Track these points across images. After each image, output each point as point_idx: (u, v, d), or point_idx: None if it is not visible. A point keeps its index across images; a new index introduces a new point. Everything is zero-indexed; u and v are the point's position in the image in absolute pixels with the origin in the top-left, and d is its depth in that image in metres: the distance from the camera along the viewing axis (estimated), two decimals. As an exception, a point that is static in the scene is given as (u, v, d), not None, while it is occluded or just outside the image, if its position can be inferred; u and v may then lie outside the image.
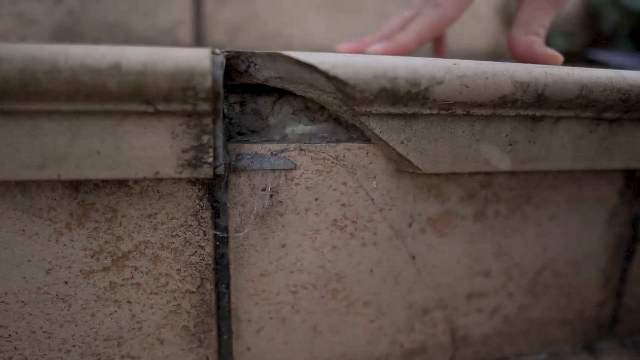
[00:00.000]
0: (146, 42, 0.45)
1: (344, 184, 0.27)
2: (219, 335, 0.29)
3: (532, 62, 0.33)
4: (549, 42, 0.65)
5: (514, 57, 0.33)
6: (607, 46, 0.66)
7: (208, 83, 0.21)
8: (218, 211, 0.26)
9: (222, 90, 0.23)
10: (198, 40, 0.47)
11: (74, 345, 0.27)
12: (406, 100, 0.24)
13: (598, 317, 0.36)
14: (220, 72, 0.23)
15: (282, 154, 0.26)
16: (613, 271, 0.35)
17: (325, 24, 0.52)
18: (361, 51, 0.35)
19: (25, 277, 0.25)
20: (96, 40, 0.43)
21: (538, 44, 0.32)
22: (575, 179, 0.32)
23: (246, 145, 0.26)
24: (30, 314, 0.26)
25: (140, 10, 0.44)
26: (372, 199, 0.28)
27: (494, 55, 0.63)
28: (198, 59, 0.21)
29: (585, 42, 0.68)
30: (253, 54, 0.25)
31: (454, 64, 0.24)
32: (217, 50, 0.24)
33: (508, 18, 0.63)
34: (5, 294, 0.25)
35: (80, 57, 0.21)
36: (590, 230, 0.34)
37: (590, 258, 0.34)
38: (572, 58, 0.66)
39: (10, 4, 0.42)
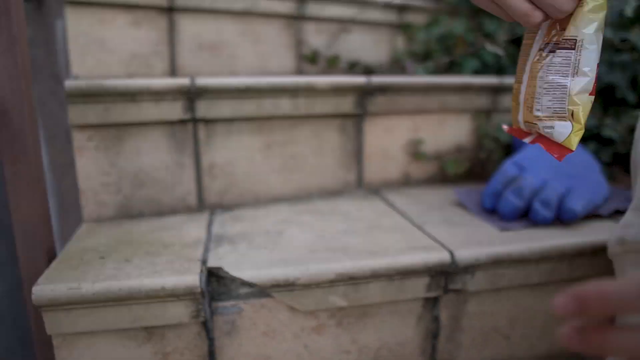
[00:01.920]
0: (169, 208, 0.76)
1: None
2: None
3: None
4: (443, 168, 0.95)
5: None
6: (485, 176, 0.96)
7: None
8: None
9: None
10: (200, 202, 0.78)
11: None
12: None
13: None
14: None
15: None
16: (426, 346, 0.65)
17: (280, 180, 0.82)
18: None
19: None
20: (141, 213, 0.75)
21: None
22: (392, 303, 0.62)
23: None
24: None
25: (163, 189, 0.76)
26: None
27: (404, 182, 0.93)
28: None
29: (471, 168, 0.97)
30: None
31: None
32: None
33: (411, 154, 0.93)
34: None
35: None
36: (406, 327, 0.63)
37: (411, 340, 0.64)
38: (461, 179, 0.96)
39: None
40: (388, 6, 1.21)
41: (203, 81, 0.72)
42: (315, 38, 1.13)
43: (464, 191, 0.84)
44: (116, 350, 0.55)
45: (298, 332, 0.59)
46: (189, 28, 0.97)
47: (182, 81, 0.71)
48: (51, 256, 0.60)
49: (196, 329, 0.56)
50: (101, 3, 0.87)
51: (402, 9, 1.24)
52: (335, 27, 1.15)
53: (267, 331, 0.58)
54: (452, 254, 0.59)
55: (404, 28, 1.25)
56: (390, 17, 1.23)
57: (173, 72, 0.97)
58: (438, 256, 0.59)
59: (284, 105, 0.78)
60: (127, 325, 0.54)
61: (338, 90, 0.81)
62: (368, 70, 1.18)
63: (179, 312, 0.54)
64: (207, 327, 0.57)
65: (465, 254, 0.60)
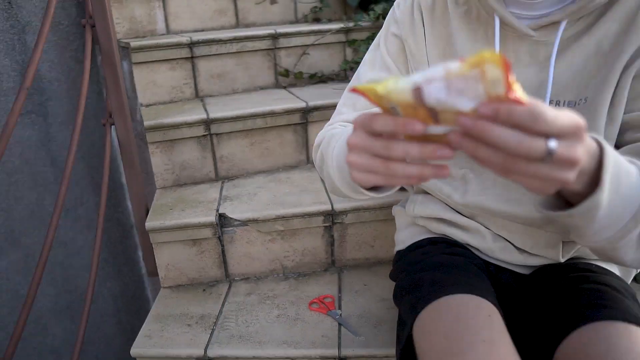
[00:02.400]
0: (200, 180, 1.42)
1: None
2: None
3: None
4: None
5: None
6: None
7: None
8: (221, 242, 1.25)
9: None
10: (216, 175, 1.43)
11: None
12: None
13: (327, 262, 1.33)
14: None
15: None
16: (328, 249, 1.32)
17: (260, 162, 1.46)
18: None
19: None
20: (186, 183, 1.41)
21: None
22: (307, 228, 1.28)
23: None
24: None
25: (196, 170, 1.41)
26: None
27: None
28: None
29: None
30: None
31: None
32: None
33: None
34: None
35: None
36: (316, 240, 1.30)
37: (320, 246, 1.31)
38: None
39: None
40: (339, 31, 1.78)
41: (213, 115, 1.36)
42: (286, 60, 1.72)
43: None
44: (180, 249, 1.24)
45: (262, 242, 1.27)
46: (204, 66, 1.58)
47: (203, 116, 1.35)
48: (147, 209, 1.28)
49: (215, 240, 1.24)
50: (151, 61, 1.49)
51: (348, 30, 1.80)
52: (299, 50, 1.74)
53: (248, 241, 1.26)
54: (332, 206, 1.25)
55: (350, 43, 1.82)
56: (340, 37, 1.80)
57: (197, 94, 1.60)
58: (326, 207, 1.24)
59: (259, 122, 1.41)
60: (185, 238, 1.22)
61: (289, 111, 1.43)
62: (324, 78, 1.77)
63: (208, 232, 1.22)
64: (220, 239, 1.25)
65: (340, 206, 1.25)
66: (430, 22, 0.77)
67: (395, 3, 0.81)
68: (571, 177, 0.41)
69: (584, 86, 0.68)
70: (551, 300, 0.75)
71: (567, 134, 0.39)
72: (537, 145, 0.38)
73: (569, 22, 0.66)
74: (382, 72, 0.81)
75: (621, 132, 0.67)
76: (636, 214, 0.53)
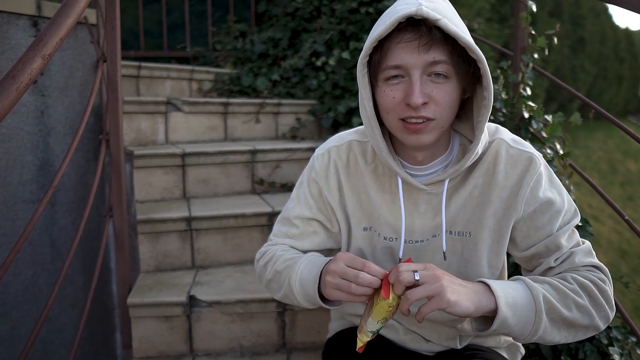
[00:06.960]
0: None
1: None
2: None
3: None
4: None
5: None
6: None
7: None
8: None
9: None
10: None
11: None
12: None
13: (279, 343, 1.55)
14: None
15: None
16: (280, 332, 1.55)
17: (231, 255, 1.74)
18: None
19: None
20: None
21: None
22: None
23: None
24: None
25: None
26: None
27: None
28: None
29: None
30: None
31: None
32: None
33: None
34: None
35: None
36: (272, 323, 1.53)
37: (273, 329, 1.54)
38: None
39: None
40: (308, 149, 2.15)
41: (195, 214, 1.66)
42: (262, 171, 2.07)
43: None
44: (154, 324, 1.47)
45: (224, 322, 1.49)
46: (192, 172, 1.92)
47: (186, 214, 1.65)
48: (130, 288, 1.53)
49: (184, 318, 1.47)
50: (150, 166, 1.83)
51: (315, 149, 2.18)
52: (274, 164, 2.10)
53: (212, 321, 1.49)
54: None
55: (318, 160, 2.18)
56: (309, 154, 2.17)
57: (184, 195, 1.92)
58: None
59: (232, 222, 1.72)
60: (159, 314, 1.45)
61: (258, 215, 1.74)
62: (293, 188, 2.11)
63: (179, 310, 1.45)
64: (188, 317, 1.47)
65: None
66: (346, 177, 0.96)
67: (315, 155, 1.01)
68: (445, 286, 0.73)
69: (466, 222, 0.91)
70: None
71: (420, 268, 0.76)
72: (409, 276, 0.74)
73: (450, 179, 0.90)
74: (304, 209, 1.00)
75: (528, 260, 0.92)
76: (536, 312, 0.78)
